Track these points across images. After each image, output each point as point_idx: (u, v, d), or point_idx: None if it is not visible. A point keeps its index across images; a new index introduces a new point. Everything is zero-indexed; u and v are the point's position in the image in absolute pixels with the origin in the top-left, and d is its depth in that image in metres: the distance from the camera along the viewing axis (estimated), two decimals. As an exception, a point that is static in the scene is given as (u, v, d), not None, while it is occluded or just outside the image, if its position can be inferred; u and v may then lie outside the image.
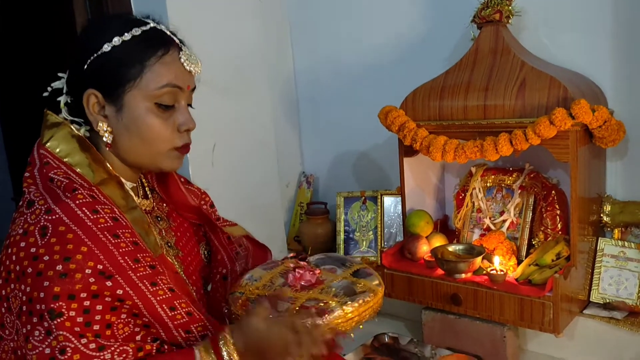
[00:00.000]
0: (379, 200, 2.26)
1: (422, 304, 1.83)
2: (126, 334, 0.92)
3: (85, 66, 0.99)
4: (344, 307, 1.02)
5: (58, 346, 0.86)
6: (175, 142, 1.03)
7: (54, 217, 0.91)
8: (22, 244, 0.90)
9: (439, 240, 1.89)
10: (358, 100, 2.33)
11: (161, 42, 1.01)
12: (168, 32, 1.03)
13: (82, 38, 1.03)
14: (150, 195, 1.15)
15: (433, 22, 2.06)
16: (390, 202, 2.25)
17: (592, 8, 1.72)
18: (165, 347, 0.97)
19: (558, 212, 1.75)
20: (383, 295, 1.11)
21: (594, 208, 1.72)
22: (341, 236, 2.31)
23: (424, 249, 1.85)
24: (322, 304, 1.03)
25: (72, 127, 1.01)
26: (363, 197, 2.31)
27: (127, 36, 0.98)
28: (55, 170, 0.97)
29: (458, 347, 1.76)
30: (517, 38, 1.77)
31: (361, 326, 1.07)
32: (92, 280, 0.88)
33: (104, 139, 1.01)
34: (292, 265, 1.19)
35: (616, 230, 1.74)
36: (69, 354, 0.86)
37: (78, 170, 0.98)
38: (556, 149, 1.54)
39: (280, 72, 2.49)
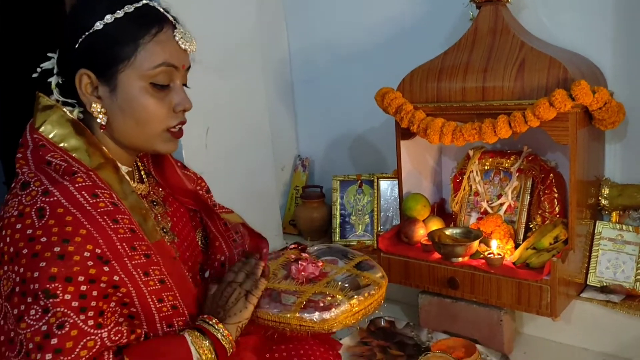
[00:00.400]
0: (375, 183, 2.24)
1: (419, 288, 1.82)
2: (112, 322, 0.91)
3: (77, 45, 0.96)
4: (351, 301, 1.02)
5: (56, 322, 0.84)
6: (170, 122, 1.01)
7: (52, 199, 0.89)
8: (18, 226, 0.88)
9: (435, 224, 1.88)
10: (354, 82, 2.30)
11: (155, 20, 0.98)
12: (161, 9, 1.00)
13: (73, 16, 1.00)
14: (145, 179, 1.13)
15: (431, 2, 2.03)
16: (386, 186, 2.23)
17: (593, -13, 1.69)
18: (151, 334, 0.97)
19: (556, 195, 1.74)
20: (386, 288, 1.11)
21: (592, 191, 1.71)
22: (337, 220, 2.29)
23: (420, 233, 1.84)
24: (329, 298, 1.03)
25: (65, 110, 0.99)
26: (359, 181, 2.29)
27: (119, 13, 0.96)
28: (52, 154, 0.95)
29: (455, 331, 1.76)
30: (516, 18, 1.74)
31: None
32: (90, 264, 0.88)
33: (98, 120, 0.98)
34: (293, 256, 1.18)
35: (614, 214, 1.73)
36: (66, 329, 0.85)
37: (74, 155, 0.97)
38: (555, 131, 1.52)
39: (274, 54, 2.46)
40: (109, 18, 0.95)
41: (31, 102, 1.03)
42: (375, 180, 2.24)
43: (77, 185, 0.92)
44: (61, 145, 0.97)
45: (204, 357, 0.96)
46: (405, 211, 1.91)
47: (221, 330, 0.99)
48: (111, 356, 0.89)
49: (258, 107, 2.30)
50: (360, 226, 2.26)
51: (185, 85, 1.05)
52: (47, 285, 0.85)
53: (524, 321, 1.81)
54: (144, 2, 0.99)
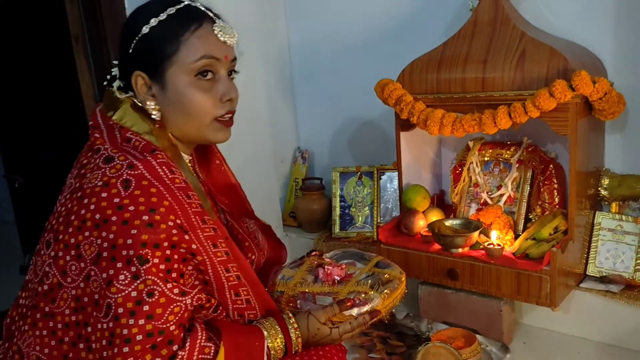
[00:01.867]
0: (375, 175, 2.24)
1: (419, 279, 1.82)
2: (192, 287, 1.00)
3: (130, 50, 1.05)
4: (382, 295, 1.15)
5: (146, 289, 0.93)
6: (218, 111, 1.08)
7: (136, 172, 0.98)
8: (104, 194, 0.96)
9: (435, 215, 1.88)
10: (354, 73, 2.29)
11: (194, 17, 1.06)
12: (202, 8, 1.08)
13: (126, 24, 1.09)
14: (197, 173, 1.23)
15: (430, -7, 2.02)
16: (386, 177, 2.23)
17: (593, -23, 1.69)
18: (218, 311, 1.06)
19: (556, 186, 1.74)
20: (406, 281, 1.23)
21: (592, 182, 1.71)
22: (337, 212, 2.29)
23: (420, 224, 1.84)
24: (363, 295, 1.15)
25: (134, 100, 1.08)
26: (359, 173, 2.29)
27: (162, 16, 1.04)
28: (131, 132, 1.05)
29: (454, 322, 1.76)
30: (516, 8, 1.73)
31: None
32: (174, 232, 0.96)
33: (153, 116, 1.07)
34: (315, 262, 1.28)
35: (614, 204, 1.73)
36: (156, 297, 0.93)
37: (145, 137, 1.05)
38: (555, 122, 1.52)
39: (274, 46, 2.44)
40: (153, 22, 1.04)
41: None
42: (375, 172, 2.24)
43: (158, 160, 1.01)
44: (133, 129, 1.06)
45: (275, 344, 1.06)
46: (405, 202, 1.91)
47: (296, 334, 1.09)
48: (204, 338, 0.98)
49: (258, 100, 2.29)
50: (360, 218, 2.26)
51: (232, 73, 1.13)
52: (140, 251, 0.93)
53: (524, 311, 1.82)
54: (186, 3, 1.07)
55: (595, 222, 1.72)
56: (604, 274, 1.68)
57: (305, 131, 2.59)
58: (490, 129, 1.58)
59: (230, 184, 1.30)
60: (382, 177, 2.24)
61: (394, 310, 1.81)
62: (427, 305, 1.84)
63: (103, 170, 0.99)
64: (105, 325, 0.93)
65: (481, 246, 1.69)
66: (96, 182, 0.98)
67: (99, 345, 0.94)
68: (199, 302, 1.00)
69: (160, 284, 0.94)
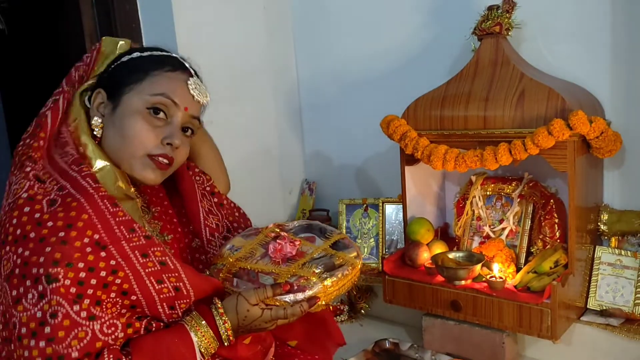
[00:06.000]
0: (381, 207, 2.28)
1: (423, 310, 1.85)
2: (114, 313, 0.95)
3: (106, 72, 1.11)
4: (324, 282, 1.06)
5: (50, 310, 0.88)
6: (153, 149, 1.05)
7: (64, 192, 0.97)
8: (27, 209, 0.95)
9: (439, 248, 1.92)
10: (360, 108, 2.36)
11: (171, 63, 1.09)
12: (186, 63, 1.12)
13: (118, 55, 1.13)
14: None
15: (435, 33, 2.10)
16: (391, 210, 2.27)
17: (591, 20, 1.76)
18: (154, 324, 1.00)
19: (556, 220, 1.78)
20: (361, 267, 1.15)
21: (591, 217, 1.75)
22: (343, 243, 2.33)
23: (424, 256, 1.88)
24: (303, 281, 1.07)
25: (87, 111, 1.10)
26: (365, 205, 2.33)
27: (145, 53, 1.09)
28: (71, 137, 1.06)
29: (458, 353, 1.78)
30: (516, 50, 1.81)
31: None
32: (88, 249, 0.93)
33: (94, 132, 1.08)
34: (272, 234, 1.19)
35: (613, 239, 1.77)
36: (59, 319, 0.88)
37: (83, 140, 1.06)
38: (554, 158, 1.57)
39: (283, 80, 2.52)
40: (135, 55, 1.10)
41: (36, 98, 1.14)
42: (381, 204, 2.28)
43: (82, 174, 1.00)
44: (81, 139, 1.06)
45: (203, 339, 1.00)
46: (409, 235, 1.95)
47: (223, 320, 1.02)
48: (111, 357, 0.91)
49: (267, 132, 2.36)
50: (365, 249, 2.30)
51: (188, 131, 1.11)
52: (50, 270, 0.89)
53: (526, 344, 1.83)
54: (174, 55, 1.11)
55: (595, 256, 1.75)
56: (604, 308, 1.71)
57: (312, 163, 2.64)
58: (491, 164, 1.63)
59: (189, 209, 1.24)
60: (388, 209, 2.28)
61: (395, 340, 1.85)
62: (430, 336, 1.87)
63: (31, 183, 0.98)
64: (12, 346, 0.90)
65: (484, 278, 1.73)
66: (21, 193, 0.96)
67: None
68: (112, 329, 0.93)
69: (66, 305, 0.89)
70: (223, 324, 1.02)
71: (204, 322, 1.01)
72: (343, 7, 2.35)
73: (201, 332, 1.00)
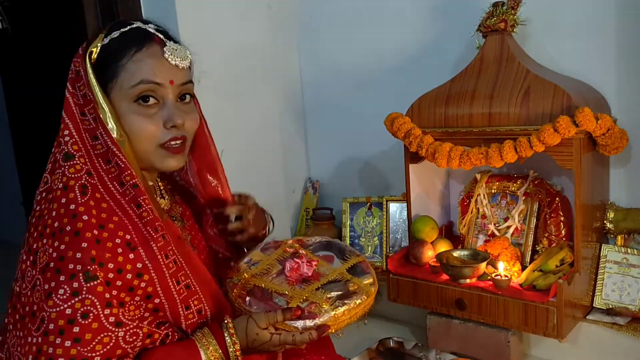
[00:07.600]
0: (385, 206, 2.28)
1: (427, 309, 1.84)
2: (136, 316, 0.95)
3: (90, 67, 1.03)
4: (336, 310, 1.04)
5: (82, 309, 0.88)
6: (161, 138, 1.02)
7: (93, 180, 0.97)
8: (63, 200, 0.94)
9: (443, 246, 1.91)
10: (364, 107, 2.36)
11: (135, 40, 1.01)
12: (151, 30, 1.03)
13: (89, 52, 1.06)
14: (166, 196, 1.17)
15: (439, 31, 2.09)
16: (395, 208, 2.27)
17: (596, 16, 1.75)
18: (170, 336, 0.99)
19: (562, 218, 1.77)
20: (375, 295, 1.12)
21: (597, 215, 1.74)
22: (347, 242, 2.32)
23: (429, 255, 1.87)
24: (315, 307, 1.05)
25: None
26: (369, 203, 2.33)
27: (105, 40, 1.01)
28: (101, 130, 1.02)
29: (462, 352, 1.78)
30: (521, 46, 1.80)
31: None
32: (119, 250, 0.93)
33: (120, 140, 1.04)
34: (291, 250, 1.18)
35: (619, 237, 1.76)
36: (89, 320, 0.88)
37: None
38: (560, 156, 1.56)
39: (287, 79, 2.52)
40: (98, 47, 1.01)
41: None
42: (385, 202, 2.28)
43: (109, 175, 0.98)
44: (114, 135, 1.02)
45: (212, 358, 0.99)
46: (413, 233, 1.95)
47: (233, 340, 1.01)
48: None
49: (271, 131, 2.36)
50: (369, 248, 2.29)
51: (187, 97, 1.05)
52: (89, 267, 0.89)
53: (532, 343, 1.82)
54: (134, 26, 1.02)
55: (601, 254, 1.74)
56: (611, 306, 1.70)
57: (316, 162, 2.64)
58: (496, 162, 1.62)
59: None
60: (392, 207, 2.27)
61: (399, 339, 1.84)
62: (435, 335, 1.86)
63: (63, 169, 0.96)
64: (34, 340, 0.88)
65: (489, 277, 1.72)
66: (58, 184, 0.95)
67: (25, 359, 0.89)
68: (134, 337, 0.93)
69: (99, 307, 0.88)
70: (233, 344, 1.01)
71: (214, 340, 1.00)
72: (347, 5, 2.34)
73: (210, 351, 0.99)
